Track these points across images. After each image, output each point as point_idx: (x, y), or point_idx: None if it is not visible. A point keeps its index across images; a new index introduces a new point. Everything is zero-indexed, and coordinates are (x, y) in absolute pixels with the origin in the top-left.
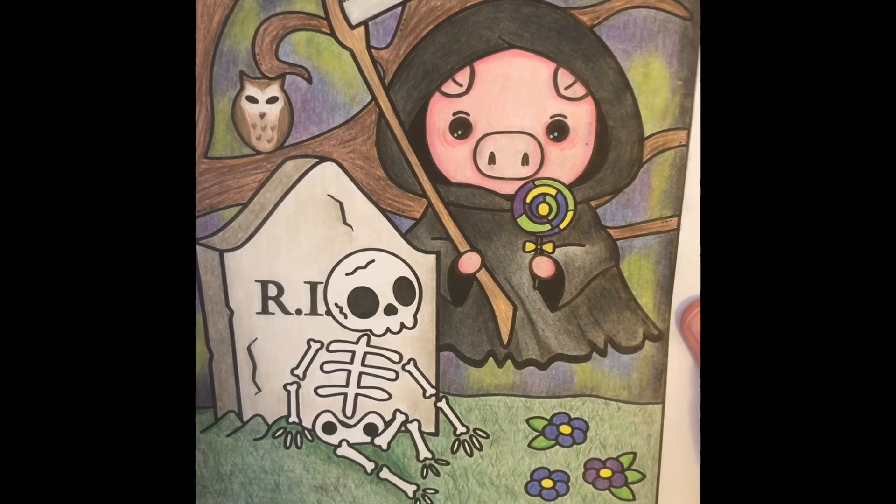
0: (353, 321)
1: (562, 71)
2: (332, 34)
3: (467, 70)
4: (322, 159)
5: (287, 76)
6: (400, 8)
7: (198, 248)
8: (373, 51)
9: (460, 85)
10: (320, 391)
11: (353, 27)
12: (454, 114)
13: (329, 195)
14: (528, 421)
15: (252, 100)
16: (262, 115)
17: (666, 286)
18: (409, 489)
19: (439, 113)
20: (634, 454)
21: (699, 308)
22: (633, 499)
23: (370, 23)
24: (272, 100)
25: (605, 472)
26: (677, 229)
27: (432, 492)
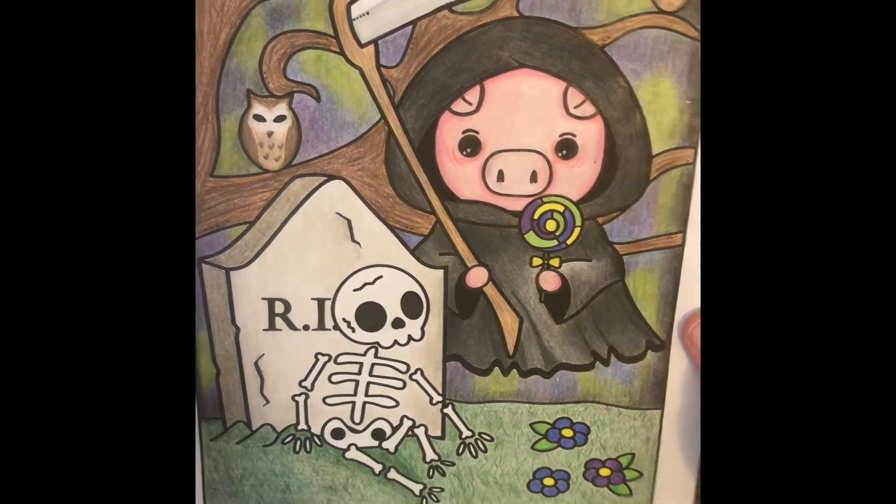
0: (361, 334)
1: (571, 90)
2: (342, 52)
3: (477, 89)
4: (330, 177)
5: (295, 94)
6: (410, 27)
7: (203, 266)
8: (382, 69)
9: (470, 103)
10: (328, 400)
11: (362, 46)
12: (463, 132)
13: (337, 213)
14: (531, 425)
15: (259, 118)
16: (270, 134)
17: (669, 299)
18: (416, 488)
19: (449, 131)
20: (633, 455)
21: (700, 319)
22: (630, 494)
23: (380, 41)
24: (280, 118)
25: (605, 471)
26: (682, 245)
27: (438, 490)
